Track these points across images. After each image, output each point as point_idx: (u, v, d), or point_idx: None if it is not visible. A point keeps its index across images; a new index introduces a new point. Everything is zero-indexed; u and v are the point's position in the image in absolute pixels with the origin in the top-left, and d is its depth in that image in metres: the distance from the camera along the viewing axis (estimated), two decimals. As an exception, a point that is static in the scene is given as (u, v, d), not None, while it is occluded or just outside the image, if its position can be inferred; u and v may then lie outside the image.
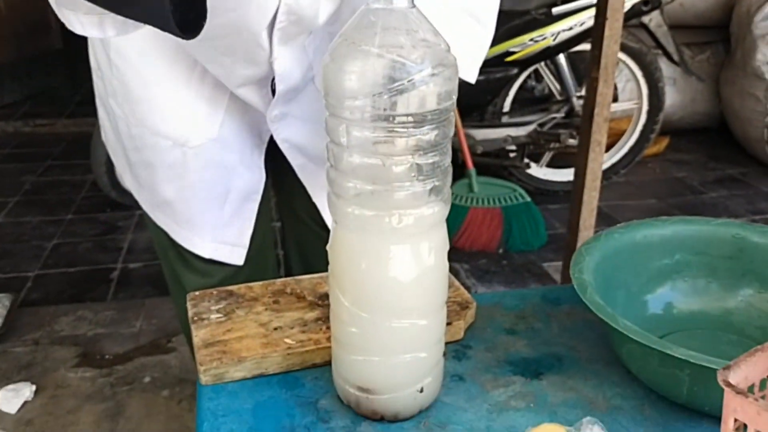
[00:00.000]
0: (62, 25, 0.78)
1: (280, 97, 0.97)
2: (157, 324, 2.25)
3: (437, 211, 0.65)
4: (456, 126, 2.34)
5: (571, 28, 2.72)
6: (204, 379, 0.76)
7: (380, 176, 0.61)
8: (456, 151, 2.65)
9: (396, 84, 0.58)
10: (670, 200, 3.20)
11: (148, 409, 1.87)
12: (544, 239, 2.77)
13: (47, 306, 2.35)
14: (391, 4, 0.59)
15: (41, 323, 2.24)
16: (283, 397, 0.74)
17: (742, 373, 0.50)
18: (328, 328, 0.80)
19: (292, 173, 1.07)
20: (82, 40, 0.85)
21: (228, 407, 0.73)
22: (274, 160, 1.09)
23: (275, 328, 0.81)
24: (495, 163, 3.02)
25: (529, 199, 2.72)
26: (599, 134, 1.84)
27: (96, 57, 1.02)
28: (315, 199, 1.08)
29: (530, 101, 3.14)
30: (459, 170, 2.61)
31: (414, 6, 0.60)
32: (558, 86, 3.07)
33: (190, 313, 0.85)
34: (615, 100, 3.18)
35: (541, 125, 2.96)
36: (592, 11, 1.89)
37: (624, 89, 3.34)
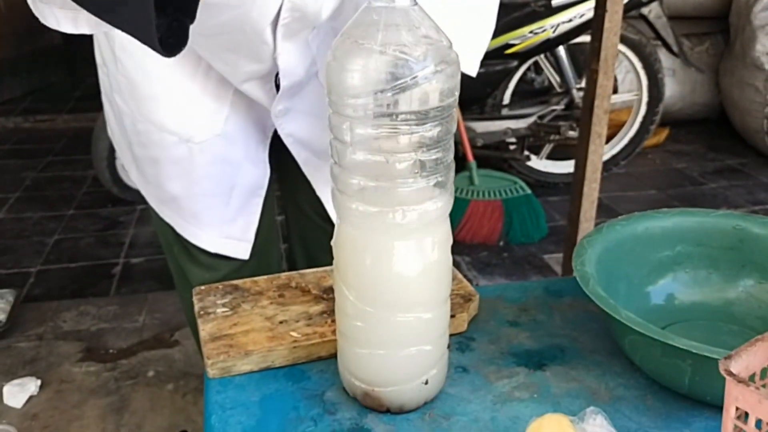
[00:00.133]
0: None
1: (285, 93, 0.98)
2: (161, 318, 2.26)
3: (440, 207, 0.66)
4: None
5: (570, 20, 2.72)
6: (211, 372, 0.77)
7: (384, 173, 0.62)
8: (456, 144, 2.66)
9: (399, 81, 0.59)
10: (670, 191, 3.21)
11: (152, 402, 1.88)
12: (544, 231, 2.77)
13: (50, 301, 2.36)
14: (393, 2, 0.60)
15: (44, 318, 2.25)
16: (290, 389, 0.75)
17: (743, 362, 0.51)
18: (333, 321, 0.81)
19: (296, 168, 1.08)
20: (83, 37, 0.85)
21: (235, 400, 0.74)
22: (278, 154, 1.09)
23: (281, 322, 0.82)
24: (495, 155, 3.02)
25: (529, 191, 2.73)
26: (599, 126, 1.84)
27: (101, 53, 1.03)
28: (319, 193, 1.09)
29: (530, 93, 3.14)
30: (459, 163, 2.62)
31: (416, 3, 0.61)
32: (558, 78, 3.07)
33: (196, 308, 0.86)
34: (615, 91, 3.19)
35: (541, 117, 2.96)
36: (592, 3, 1.89)
37: (624, 81, 3.34)
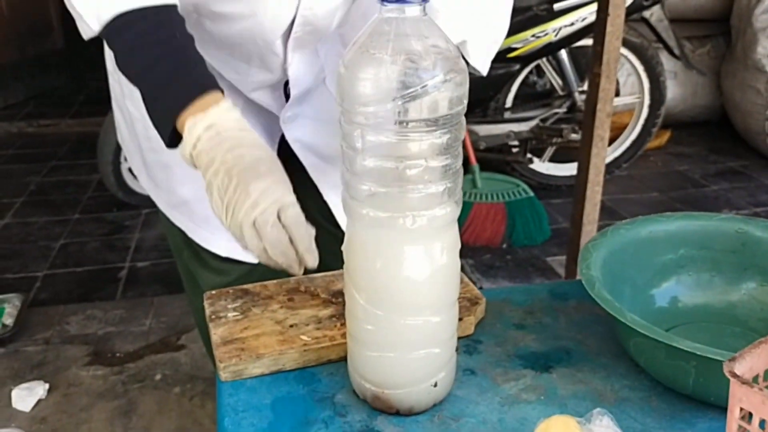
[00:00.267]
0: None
1: (294, 100, 0.99)
2: (167, 322, 2.27)
3: (449, 212, 0.67)
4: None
5: (572, 24, 2.73)
6: (223, 375, 0.78)
7: (394, 179, 0.64)
8: (459, 147, 2.66)
9: (409, 90, 0.60)
10: (673, 193, 3.22)
11: (160, 405, 1.90)
12: (547, 234, 2.78)
13: (57, 305, 2.37)
14: (404, 13, 0.61)
15: (51, 323, 2.26)
16: (301, 392, 0.77)
17: (747, 364, 0.52)
18: (343, 324, 0.82)
19: (304, 173, 1.09)
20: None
21: (248, 403, 0.75)
22: (287, 160, 1.11)
23: (291, 326, 0.84)
24: (498, 158, 3.04)
25: (532, 193, 2.74)
26: (602, 129, 1.86)
27: (113, 60, 1.05)
28: (326, 198, 1.10)
29: (532, 97, 3.15)
30: (462, 166, 2.62)
31: (426, 14, 0.62)
32: (560, 81, 3.08)
33: (207, 312, 0.87)
34: (617, 94, 3.19)
35: (543, 120, 2.97)
36: (594, 7, 1.90)
37: (625, 83, 3.35)
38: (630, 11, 2.72)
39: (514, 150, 3.03)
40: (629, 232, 0.88)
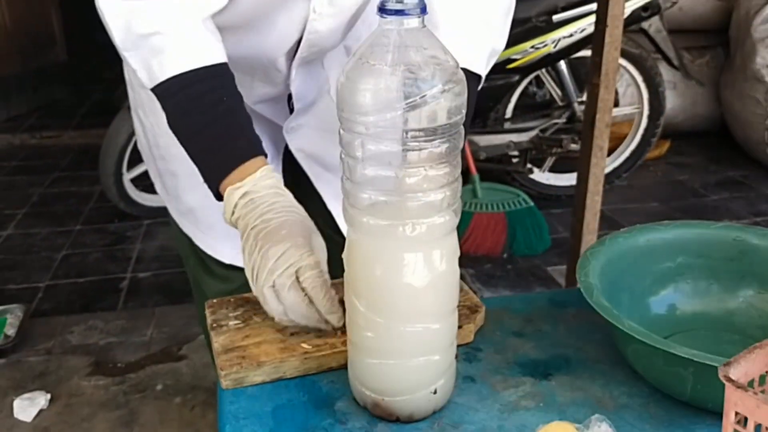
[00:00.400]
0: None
1: (298, 112, 1.01)
2: (168, 332, 2.28)
3: (448, 220, 0.68)
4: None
5: (571, 35, 2.75)
6: (225, 383, 0.79)
7: (394, 188, 0.65)
8: (460, 158, 2.67)
9: (408, 100, 0.61)
10: (672, 203, 3.22)
11: (161, 416, 1.90)
12: (547, 243, 2.79)
13: (59, 316, 2.38)
14: (403, 25, 0.62)
15: (53, 333, 2.27)
16: (302, 400, 0.77)
17: (742, 368, 0.53)
18: (344, 332, 0.83)
19: (308, 182, 1.10)
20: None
21: (249, 410, 0.76)
22: (291, 169, 1.12)
23: (292, 334, 0.84)
24: (498, 168, 3.05)
25: (532, 203, 2.75)
26: (601, 139, 1.87)
27: (127, 71, 1.07)
28: (329, 207, 1.11)
29: (532, 107, 3.17)
30: (463, 176, 2.63)
31: (424, 26, 0.63)
32: (559, 92, 3.10)
33: (208, 320, 0.88)
34: (616, 104, 3.21)
35: (543, 131, 2.98)
36: (592, 18, 1.92)
37: (625, 94, 3.37)
38: (628, 22, 2.73)
39: (514, 160, 3.04)
40: (627, 240, 0.88)
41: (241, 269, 1.10)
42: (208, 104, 0.83)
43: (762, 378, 0.56)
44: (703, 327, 0.87)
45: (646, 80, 3.17)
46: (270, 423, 0.74)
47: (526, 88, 3.13)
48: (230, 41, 0.93)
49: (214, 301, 0.92)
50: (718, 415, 0.70)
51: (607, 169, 3.04)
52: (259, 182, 0.82)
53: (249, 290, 0.94)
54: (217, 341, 0.84)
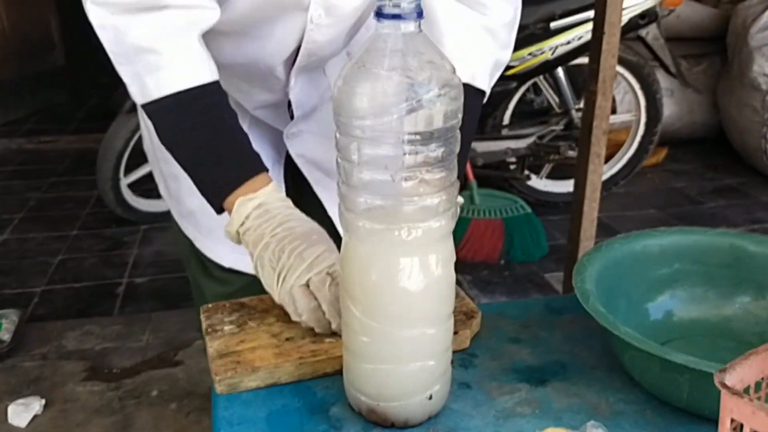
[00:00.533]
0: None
1: (299, 119, 1.01)
2: (164, 338, 2.27)
3: (444, 224, 0.68)
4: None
5: (569, 42, 2.76)
6: (219, 388, 0.79)
7: (390, 191, 0.64)
8: (457, 164, 2.67)
9: (405, 104, 0.61)
10: (670, 210, 3.23)
11: (156, 422, 1.89)
12: (545, 250, 2.79)
13: (54, 321, 2.37)
14: (399, 29, 0.62)
15: (49, 338, 2.26)
16: (296, 405, 0.77)
17: (738, 375, 0.53)
18: (339, 337, 0.82)
19: (308, 186, 1.10)
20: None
21: (242, 416, 0.75)
22: (293, 175, 1.12)
23: (287, 339, 0.84)
24: (496, 175, 3.05)
25: (529, 210, 2.75)
26: (598, 146, 1.87)
27: None
28: (330, 213, 1.11)
29: (529, 114, 3.17)
30: (460, 182, 2.64)
31: (421, 30, 0.63)
32: (557, 99, 3.10)
33: (203, 325, 0.87)
34: (613, 112, 3.21)
35: (540, 137, 2.99)
36: (590, 25, 1.92)
37: (622, 101, 3.37)
38: (626, 30, 2.74)
39: (512, 167, 3.05)
40: (624, 246, 0.88)
41: (241, 273, 1.11)
42: (209, 120, 0.83)
43: (758, 384, 0.56)
44: (700, 333, 0.87)
45: (643, 88, 3.18)
46: (264, 429, 0.74)
47: (523, 95, 3.14)
48: (227, 48, 0.93)
49: (209, 305, 0.91)
50: (714, 421, 0.70)
51: (605, 176, 3.04)
52: (272, 194, 0.84)
53: (248, 294, 0.94)
54: (212, 346, 0.83)
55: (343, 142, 0.65)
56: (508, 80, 2.86)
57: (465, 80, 0.65)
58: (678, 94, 3.75)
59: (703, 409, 0.71)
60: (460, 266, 0.72)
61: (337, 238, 1.14)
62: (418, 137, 0.62)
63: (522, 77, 2.90)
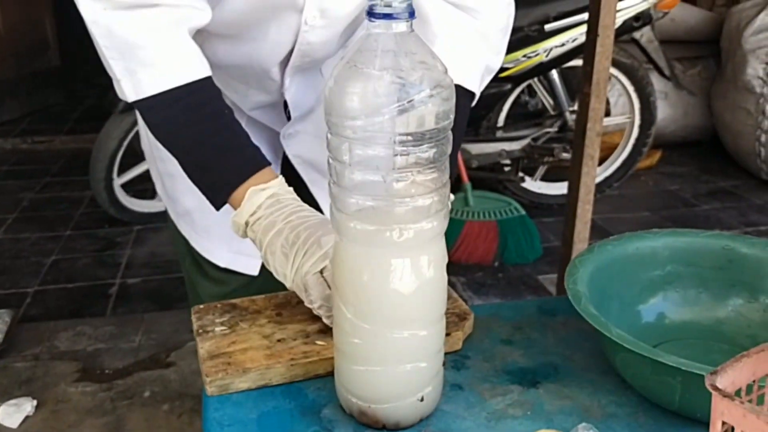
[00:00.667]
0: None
1: (295, 119, 1.01)
2: (157, 339, 2.26)
3: (436, 225, 0.67)
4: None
5: (563, 45, 2.76)
6: (210, 390, 0.78)
7: (381, 192, 0.64)
8: (451, 166, 2.68)
9: (396, 104, 0.61)
10: (663, 213, 3.23)
11: (148, 423, 1.88)
12: (539, 252, 2.79)
13: (47, 321, 2.36)
14: (391, 29, 0.62)
15: (41, 339, 2.25)
16: (287, 407, 0.76)
17: (729, 377, 0.52)
18: (330, 338, 0.82)
19: (305, 187, 1.10)
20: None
21: (233, 417, 0.75)
22: (289, 175, 1.12)
23: (279, 340, 0.83)
24: (490, 177, 3.05)
25: (524, 212, 2.75)
26: (592, 148, 1.87)
27: None
28: (326, 214, 1.11)
29: (524, 116, 3.18)
30: (455, 184, 2.64)
31: (412, 30, 0.63)
32: (551, 101, 3.11)
33: (194, 326, 0.87)
34: (607, 114, 3.22)
35: (534, 139, 2.99)
36: (584, 28, 1.92)
37: (616, 104, 3.38)
38: (620, 32, 2.75)
39: (506, 169, 3.05)
40: (616, 248, 0.88)
41: (237, 273, 1.10)
42: (208, 115, 0.83)
43: (749, 387, 0.56)
44: (692, 336, 0.87)
45: (637, 90, 3.18)
46: (255, 430, 0.73)
47: (518, 97, 3.14)
48: (222, 49, 0.93)
49: (201, 306, 0.91)
50: (706, 424, 0.69)
51: (599, 179, 3.05)
52: (283, 186, 0.84)
53: (243, 295, 0.94)
54: (203, 347, 0.83)
55: (334, 142, 0.65)
56: (502, 82, 2.87)
57: (455, 81, 0.65)
58: (672, 97, 3.76)
59: (694, 411, 0.71)
60: (454, 268, 0.72)
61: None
62: (409, 138, 0.62)
63: (516, 79, 2.90)
